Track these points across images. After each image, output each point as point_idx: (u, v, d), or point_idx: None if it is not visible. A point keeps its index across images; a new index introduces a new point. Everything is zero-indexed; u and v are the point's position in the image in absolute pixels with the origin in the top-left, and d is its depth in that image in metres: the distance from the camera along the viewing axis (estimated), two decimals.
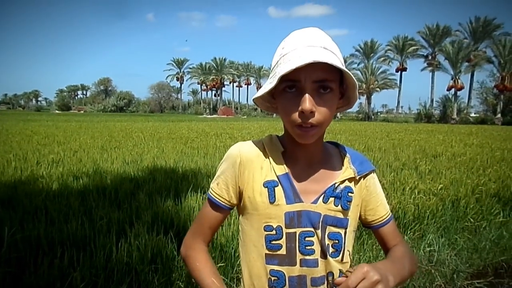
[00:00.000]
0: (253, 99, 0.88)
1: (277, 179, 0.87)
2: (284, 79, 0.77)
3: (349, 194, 0.90)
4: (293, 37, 0.82)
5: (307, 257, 0.86)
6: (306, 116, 0.77)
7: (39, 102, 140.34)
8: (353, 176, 0.91)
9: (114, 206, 3.96)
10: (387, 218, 0.96)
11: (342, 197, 0.89)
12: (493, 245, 3.66)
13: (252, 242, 0.89)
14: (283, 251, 0.86)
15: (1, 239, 2.71)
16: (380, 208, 0.96)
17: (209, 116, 59.20)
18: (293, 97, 0.78)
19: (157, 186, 4.78)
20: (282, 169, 0.87)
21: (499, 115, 40.86)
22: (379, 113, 58.29)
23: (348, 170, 0.91)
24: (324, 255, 0.87)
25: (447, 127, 28.44)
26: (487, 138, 14.88)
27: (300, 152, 0.88)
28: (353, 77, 0.77)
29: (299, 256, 0.86)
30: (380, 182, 3.80)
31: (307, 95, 0.76)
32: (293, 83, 0.77)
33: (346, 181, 0.90)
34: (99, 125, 20.75)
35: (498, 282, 3.24)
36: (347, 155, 0.93)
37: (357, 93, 0.84)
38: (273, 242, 0.87)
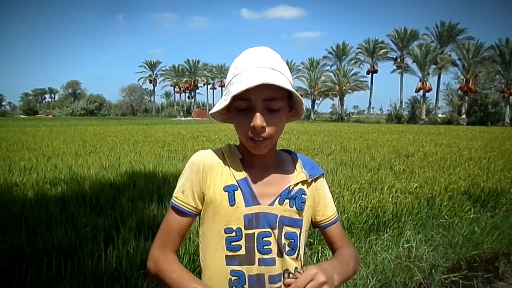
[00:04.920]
0: (209, 114, 0.96)
1: (236, 184, 0.93)
2: (236, 97, 0.85)
3: (303, 195, 0.98)
4: (245, 57, 0.90)
5: (265, 256, 0.93)
6: (257, 131, 0.85)
7: (3, 107, 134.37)
8: (306, 179, 0.99)
9: (96, 212, 3.89)
10: (333, 219, 1.06)
11: (297, 199, 0.97)
12: (466, 240, 3.86)
13: (214, 246, 0.94)
14: (242, 251, 0.92)
15: None
16: (328, 209, 1.05)
17: (183, 119, 58.58)
18: (245, 113, 0.87)
19: (139, 191, 4.73)
20: (241, 174, 0.94)
21: (464, 116, 42.69)
22: (351, 114, 59.49)
23: (300, 173, 0.99)
24: (280, 253, 0.94)
25: (417, 127, 29.45)
26: (455, 138, 15.55)
27: (256, 159, 0.96)
28: (299, 96, 0.87)
29: (257, 256, 0.93)
30: (358, 182, 3.97)
31: (258, 114, 0.85)
32: (244, 102, 0.85)
33: (300, 183, 0.99)
34: (70, 130, 20.15)
35: (472, 275, 3.42)
36: (299, 160, 1.03)
37: (304, 108, 0.94)
38: (233, 243, 0.92)
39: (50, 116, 78.77)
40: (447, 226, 4.21)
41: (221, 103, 0.89)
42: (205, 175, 0.94)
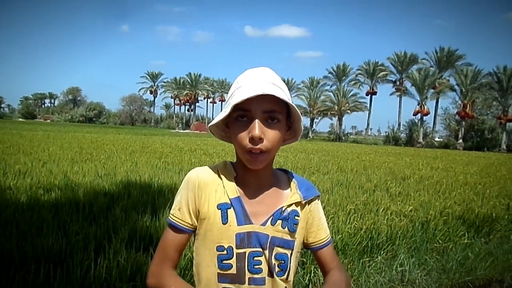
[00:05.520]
0: (208, 127, 0.97)
1: (229, 202, 0.94)
2: (236, 108, 0.86)
3: (296, 217, 0.98)
4: (246, 74, 0.93)
5: (255, 276, 0.93)
6: (255, 142, 0.86)
7: (1, 109, 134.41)
8: (300, 200, 0.99)
9: (89, 221, 3.85)
10: (326, 241, 1.05)
11: (289, 220, 0.97)
12: (459, 265, 3.83)
13: (206, 262, 0.95)
14: (233, 270, 0.93)
15: None
16: (321, 232, 1.04)
17: (181, 131, 58.65)
18: (244, 124, 0.88)
19: (133, 202, 4.69)
20: (234, 193, 0.95)
21: (460, 141, 42.99)
22: (349, 134, 59.81)
23: (295, 195, 0.99)
24: (271, 274, 0.94)
25: (414, 150, 29.57)
26: (451, 162, 15.60)
27: (251, 177, 0.96)
28: (298, 110, 0.89)
29: (248, 275, 0.93)
30: (354, 203, 3.95)
31: (257, 121, 0.86)
32: (244, 112, 0.87)
33: (293, 205, 0.98)
34: (67, 136, 20.11)
35: None
36: (294, 181, 1.02)
37: (302, 125, 0.95)
38: (224, 261, 0.93)
39: (49, 121, 78.72)
40: (441, 251, 4.18)
41: (221, 114, 0.90)
42: (199, 192, 0.95)
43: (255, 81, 0.88)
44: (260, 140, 0.86)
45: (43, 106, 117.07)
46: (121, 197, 4.94)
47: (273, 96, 0.84)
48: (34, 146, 11.84)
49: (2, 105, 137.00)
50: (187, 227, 0.96)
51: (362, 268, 3.48)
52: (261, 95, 0.83)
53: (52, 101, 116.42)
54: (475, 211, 5.29)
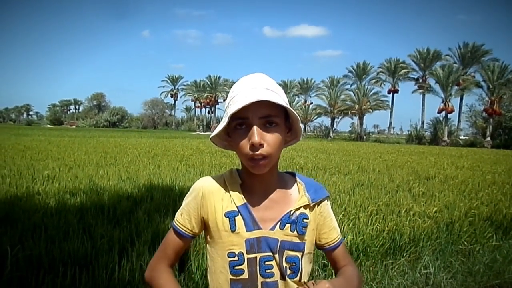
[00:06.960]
0: (210, 139, 0.98)
1: (237, 209, 0.96)
2: (234, 117, 0.87)
3: (304, 220, 0.99)
4: (240, 82, 0.93)
5: (268, 280, 0.95)
6: (256, 148, 0.87)
7: (30, 116, 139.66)
8: (308, 203, 1.00)
9: (113, 224, 3.95)
10: (338, 241, 1.06)
11: (298, 223, 0.97)
12: (487, 268, 3.72)
13: (219, 269, 0.97)
14: (245, 275, 0.95)
15: (2, 258, 2.70)
16: (333, 232, 1.05)
17: (202, 133, 59.21)
18: (243, 132, 0.89)
19: (156, 204, 4.79)
20: (241, 200, 0.97)
21: (488, 138, 41.53)
22: (371, 134, 58.81)
23: (303, 198, 1.00)
24: (283, 277, 0.96)
25: (438, 149, 28.80)
26: (477, 161, 15.11)
27: (257, 183, 0.97)
28: (295, 111, 0.89)
29: (260, 279, 0.95)
30: (376, 204, 3.89)
31: (255, 128, 0.86)
32: (242, 121, 0.88)
33: (301, 208, 0.99)
34: (93, 141, 20.66)
35: None
36: (302, 183, 1.03)
37: (301, 125, 0.95)
38: (236, 267, 0.95)
39: (74, 126, 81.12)
40: (467, 253, 4.07)
41: (220, 125, 0.92)
42: (203, 202, 0.98)
43: (248, 89, 0.89)
44: (261, 145, 0.87)
45: (68, 112, 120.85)
46: (144, 200, 5.05)
47: (268, 101, 0.85)
48: (61, 152, 12.23)
49: (31, 113, 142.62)
50: (186, 233, 1.00)
51: (385, 271, 3.43)
52: (257, 101, 0.84)
53: (77, 107, 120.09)
54: (502, 212, 5.12)
